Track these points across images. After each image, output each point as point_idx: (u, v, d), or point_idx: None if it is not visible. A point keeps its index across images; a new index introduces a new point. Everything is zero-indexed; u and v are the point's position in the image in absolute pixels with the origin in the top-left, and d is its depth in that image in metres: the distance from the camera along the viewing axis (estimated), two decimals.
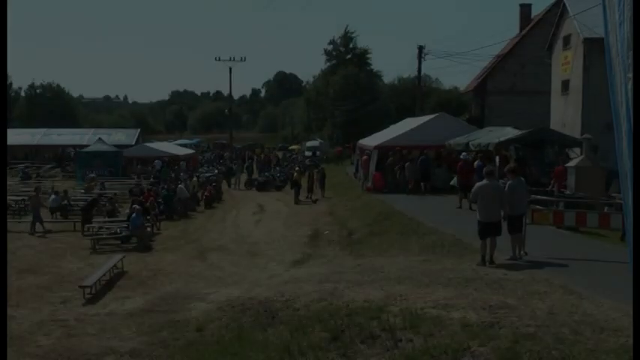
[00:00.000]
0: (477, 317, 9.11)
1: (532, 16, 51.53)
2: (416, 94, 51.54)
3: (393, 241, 19.15)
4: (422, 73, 48.28)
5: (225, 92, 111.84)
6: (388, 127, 41.86)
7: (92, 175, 38.60)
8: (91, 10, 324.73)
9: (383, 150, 31.95)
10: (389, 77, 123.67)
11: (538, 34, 44.43)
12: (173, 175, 40.96)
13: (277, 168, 49.25)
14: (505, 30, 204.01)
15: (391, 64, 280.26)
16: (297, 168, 39.63)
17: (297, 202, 32.53)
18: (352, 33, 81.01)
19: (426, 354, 8.08)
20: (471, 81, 55.66)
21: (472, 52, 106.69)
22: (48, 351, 11.50)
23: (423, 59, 45.93)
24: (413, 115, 44.96)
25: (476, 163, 23.93)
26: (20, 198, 32.61)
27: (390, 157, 31.37)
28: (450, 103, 71.30)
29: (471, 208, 23.66)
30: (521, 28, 51.32)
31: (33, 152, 59.02)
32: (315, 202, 32.83)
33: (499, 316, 9.14)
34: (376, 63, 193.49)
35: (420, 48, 45.55)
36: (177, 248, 23.15)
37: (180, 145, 67.82)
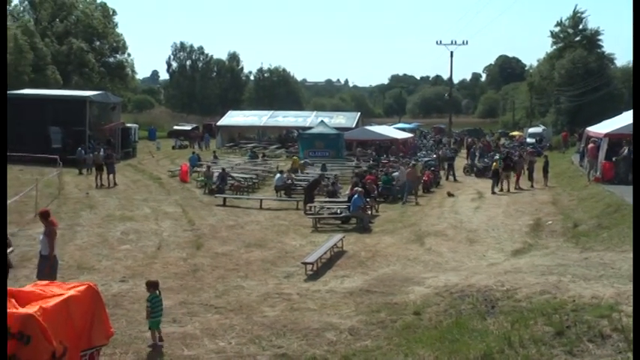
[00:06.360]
0: None
1: None
2: None
3: (624, 235, 17.84)
4: None
5: (445, 76, 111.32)
6: (621, 113, 39.14)
7: (304, 160, 40.00)
8: None
9: (614, 138, 29.86)
10: (622, 60, 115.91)
11: None
12: (393, 158, 41.39)
13: (497, 155, 47.97)
14: None
15: (626, 46, 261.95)
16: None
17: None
18: (582, 13, 76.84)
19: None
20: None
21: None
22: (273, 321, 12.12)
23: None
24: None
25: None
26: (249, 176, 34.71)
27: (624, 147, 29.35)
28: None
29: None
30: None
31: (260, 133, 62.54)
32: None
33: None
34: (608, 45, 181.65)
35: None
36: (395, 231, 23.36)
37: (399, 129, 68.42)
